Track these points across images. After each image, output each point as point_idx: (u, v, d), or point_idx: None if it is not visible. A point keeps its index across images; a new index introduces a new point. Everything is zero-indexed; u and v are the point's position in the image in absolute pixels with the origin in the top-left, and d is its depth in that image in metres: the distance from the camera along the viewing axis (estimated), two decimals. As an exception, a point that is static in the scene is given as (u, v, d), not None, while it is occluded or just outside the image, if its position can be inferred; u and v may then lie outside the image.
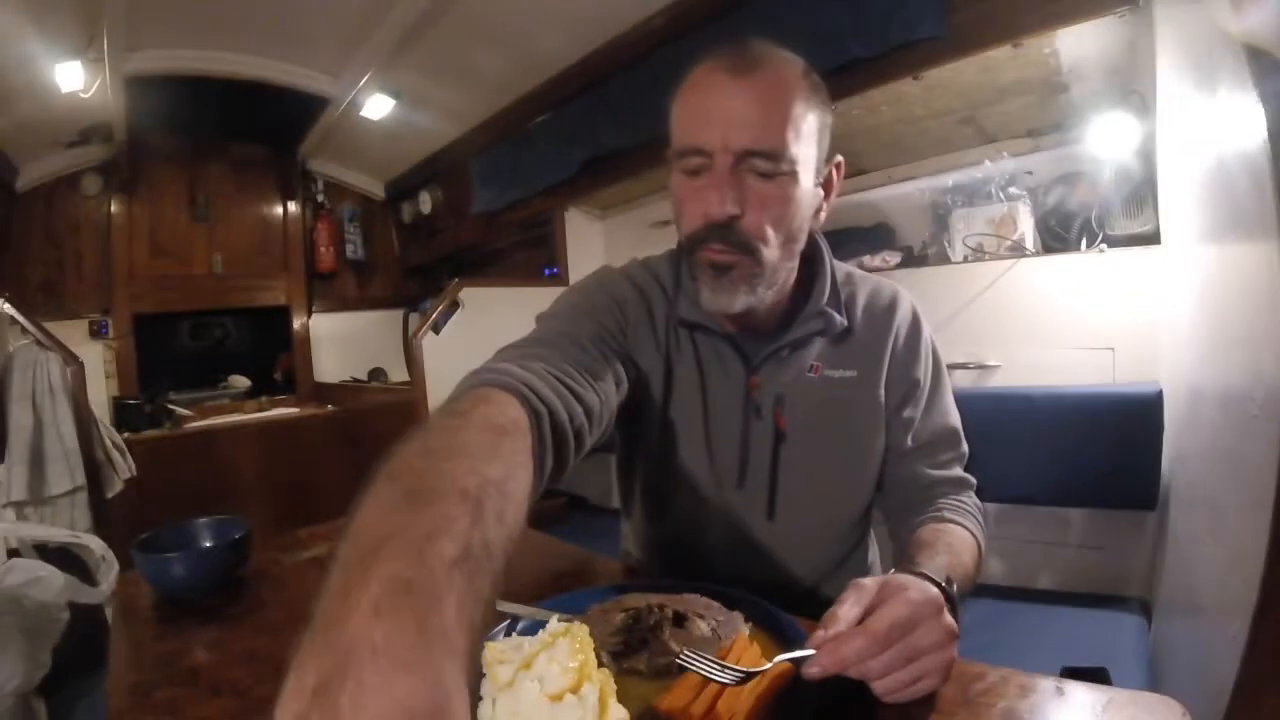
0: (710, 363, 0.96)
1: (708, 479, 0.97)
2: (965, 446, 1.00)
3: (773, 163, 0.80)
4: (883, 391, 0.96)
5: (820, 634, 0.59)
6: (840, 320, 0.94)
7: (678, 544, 1.03)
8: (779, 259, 0.85)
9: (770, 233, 0.83)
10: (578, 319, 0.89)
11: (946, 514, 0.90)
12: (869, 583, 0.63)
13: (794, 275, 0.93)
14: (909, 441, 0.97)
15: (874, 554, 1.14)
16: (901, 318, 0.99)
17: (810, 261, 0.98)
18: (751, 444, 0.95)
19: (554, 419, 0.66)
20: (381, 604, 0.34)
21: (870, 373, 0.96)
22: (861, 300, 0.99)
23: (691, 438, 0.97)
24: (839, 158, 0.91)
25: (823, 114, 0.85)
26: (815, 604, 1.00)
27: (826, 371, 0.95)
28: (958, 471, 0.98)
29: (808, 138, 0.82)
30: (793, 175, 0.81)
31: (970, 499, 0.96)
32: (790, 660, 0.59)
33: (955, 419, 1.00)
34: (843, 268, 1.03)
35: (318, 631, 0.34)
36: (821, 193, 0.90)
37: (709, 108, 0.81)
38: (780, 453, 0.95)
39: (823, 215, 0.92)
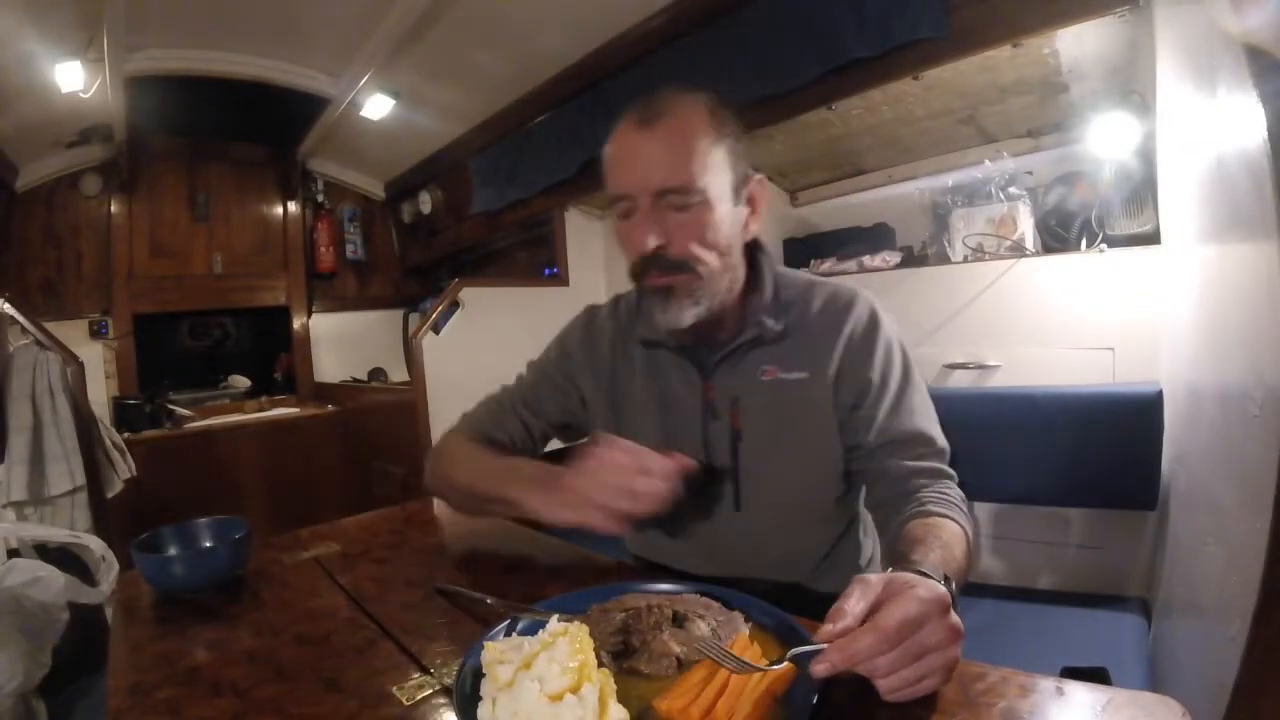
0: (670, 374, 1.10)
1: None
2: (942, 445, 1.03)
3: (685, 196, 0.92)
4: (832, 391, 1.02)
5: (828, 628, 0.59)
6: (773, 326, 1.03)
7: (662, 538, 1.12)
8: (717, 269, 0.97)
9: (698, 250, 0.95)
10: (531, 375, 1.23)
11: (932, 507, 0.92)
12: (874, 579, 0.63)
13: (739, 285, 1.04)
14: (871, 438, 1.01)
15: (871, 551, 1.17)
16: (856, 320, 1.04)
17: (753, 274, 1.08)
18: (711, 443, 1.06)
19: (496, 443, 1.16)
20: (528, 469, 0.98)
21: (820, 373, 1.03)
22: (816, 305, 1.06)
23: (650, 441, 1.05)
24: (759, 175, 1.02)
25: (733, 142, 0.97)
26: (805, 600, 1.05)
27: (780, 374, 1.04)
28: (934, 463, 1.00)
29: (717, 168, 0.94)
30: (706, 203, 0.93)
31: (953, 490, 0.98)
32: (799, 655, 0.59)
33: (925, 421, 1.03)
34: (801, 276, 1.12)
35: (515, 483, 0.96)
36: (746, 209, 1.02)
37: (625, 158, 0.95)
38: (739, 449, 1.05)
39: (754, 227, 1.04)
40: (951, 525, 0.89)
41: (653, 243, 0.93)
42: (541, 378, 1.21)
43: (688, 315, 0.97)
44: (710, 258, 0.96)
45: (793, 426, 1.04)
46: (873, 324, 1.05)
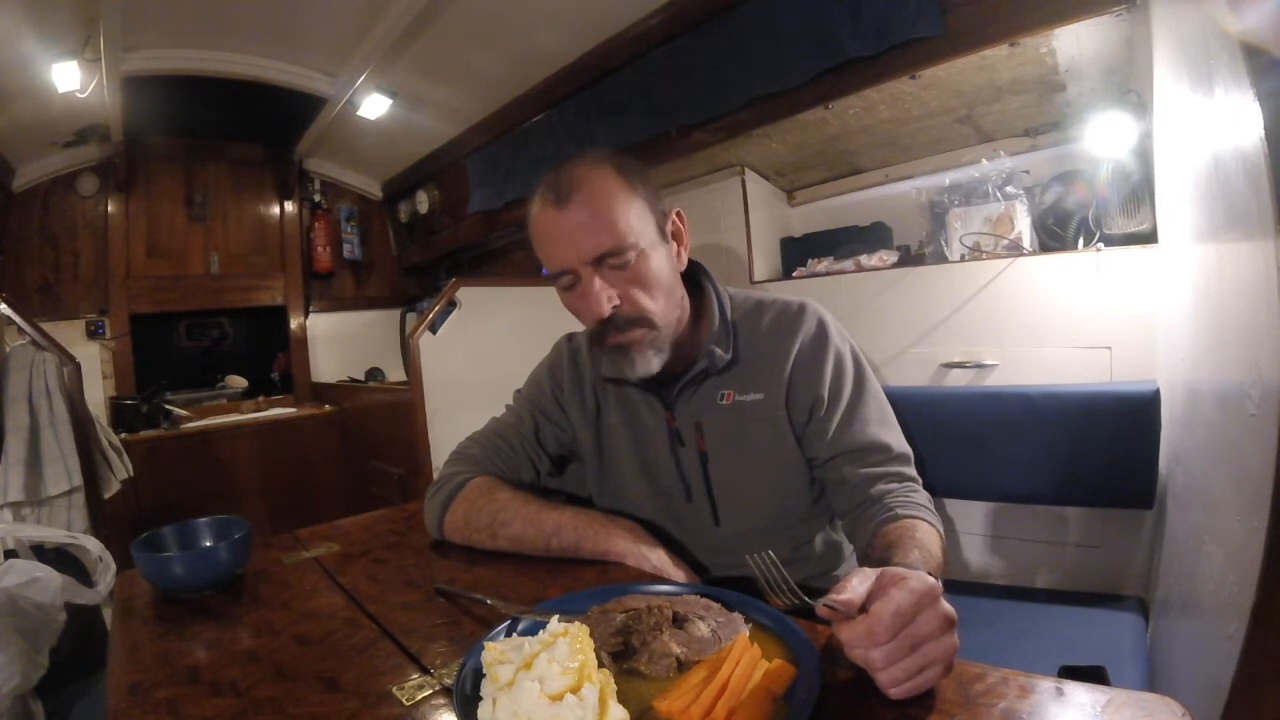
0: (636, 406, 1.16)
1: (656, 500, 1.16)
2: (900, 450, 1.07)
3: (620, 257, 0.98)
4: (785, 409, 1.07)
5: (832, 597, 0.61)
6: (723, 355, 1.08)
7: None
8: (666, 311, 1.04)
9: (648, 302, 1.01)
10: (527, 409, 1.23)
11: (899, 510, 0.96)
12: (870, 571, 0.64)
13: (686, 316, 1.11)
14: (826, 451, 1.06)
15: (851, 549, 1.22)
16: (804, 335, 1.09)
17: (701, 302, 1.14)
18: (684, 467, 1.13)
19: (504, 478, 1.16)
20: (564, 516, 1.02)
21: (773, 393, 1.08)
22: (765, 324, 1.11)
23: (630, 469, 1.17)
24: (675, 210, 1.09)
25: (645, 189, 1.02)
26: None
27: (738, 397, 1.09)
28: (893, 468, 1.04)
29: (638, 219, 1.00)
30: (641, 255, 0.99)
31: (918, 492, 1.02)
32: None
33: (880, 429, 1.07)
34: (751, 296, 1.16)
35: (566, 529, 1.01)
36: (674, 244, 1.08)
37: (553, 238, 1.00)
38: (709, 471, 1.11)
39: (684, 257, 1.10)
40: (923, 525, 0.93)
41: (608, 308, 0.99)
42: (538, 412, 1.23)
43: (654, 363, 1.03)
44: (658, 305, 1.02)
45: (756, 445, 1.09)
46: (820, 336, 1.09)
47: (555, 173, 1.01)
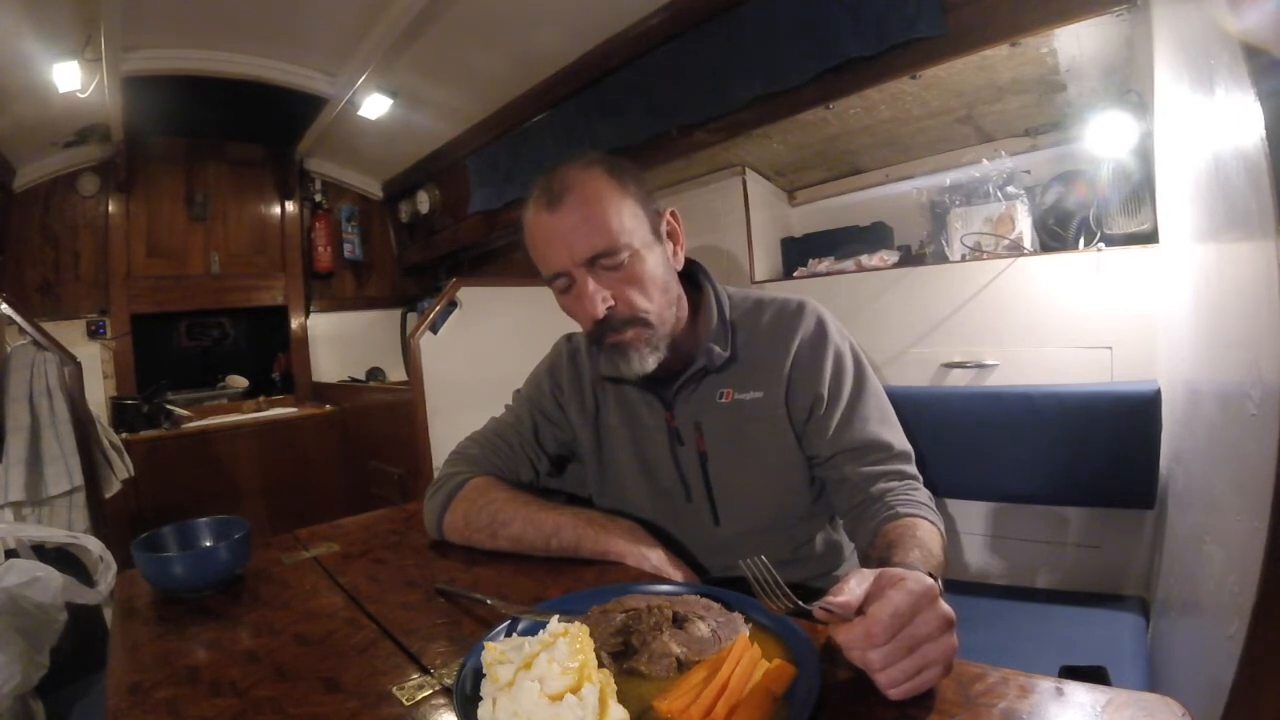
0: (635, 406, 1.16)
1: (656, 499, 1.16)
2: (901, 448, 1.07)
3: (613, 257, 0.98)
4: (785, 407, 1.07)
5: (829, 599, 0.61)
6: (721, 353, 1.08)
7: None
8: (663, 310, 1.04)
9: (642, 301, 1.01)
10: (526, 409, 1.23)
11: (900, 509, 0.96)
12: (867, 572, 0.64)
13: (684, 315, 1.11)
14: (826, 450, 1.06)
15: (852, 547, 1.22)
16: (803, 333, 1.09)
17: (699, 301, 1.14)
18: (683, 466, 1.13)
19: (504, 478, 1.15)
20: (564, 517, 1.02)
21: (773, 391, 1.08)
22: (764, 323, 1.11)
23: (630, 469, 1.17)
24: (669, 210, 1.09)
25: (637, 189, 1.03)
26: (798, 596, 1.10)
27: (737, 396, 1.09)
28: (893, 466, 1.04)
29: (631, 220, 1.00)
30: (635, 255, 1.00)
31: (918, 490, 1.02)
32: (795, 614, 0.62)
33: (880, 427, 1.07)
34: (750, 295, 1.17)
35: (565, 529, 1.00)
36: (669, 243, 1.08)
37: (547, 241, 1.00)
38: (708, 470, 1.11)
39: (680, 257, 1.11)
40: (923, 524, 0.92)
41: (602, 309, 0.99)
42: (538, 412, 1.23)
43: (650, 361, 1.03)
44: (654, 304, 1.02)
45: (756, 443, 1.09)
46: (820, 334, 1.09)
47: (547, 176, 1.01)
